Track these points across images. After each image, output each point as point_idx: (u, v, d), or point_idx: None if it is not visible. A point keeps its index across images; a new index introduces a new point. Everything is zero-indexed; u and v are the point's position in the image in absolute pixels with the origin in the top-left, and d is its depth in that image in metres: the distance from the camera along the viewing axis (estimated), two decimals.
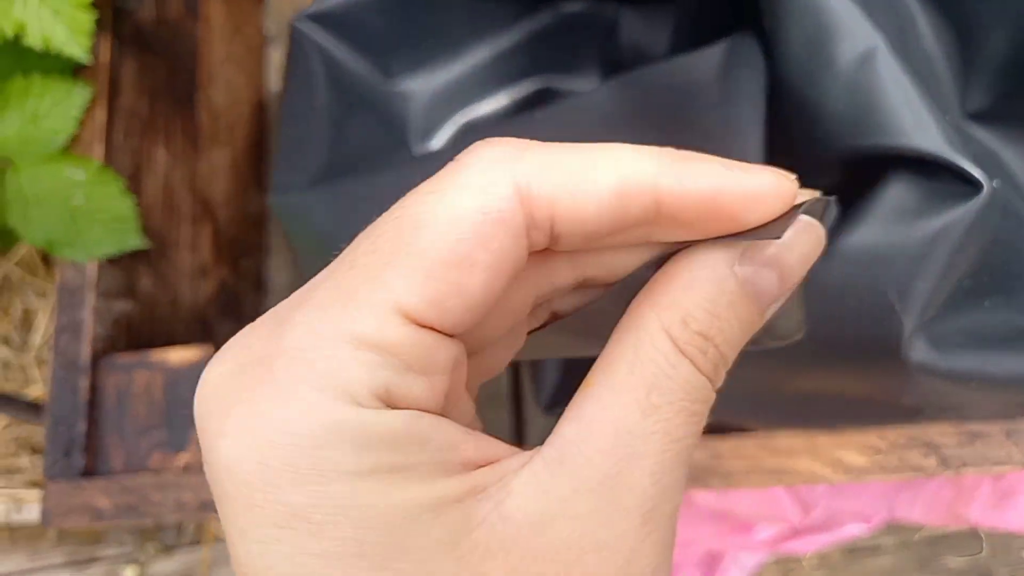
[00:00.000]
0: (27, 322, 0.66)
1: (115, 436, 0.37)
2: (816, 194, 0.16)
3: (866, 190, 0.25)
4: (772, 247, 0.15)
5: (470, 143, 0.15)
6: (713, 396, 0.15)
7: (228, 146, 0.52)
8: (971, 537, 0.67)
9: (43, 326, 0.66)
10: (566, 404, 0.15)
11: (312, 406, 0.13)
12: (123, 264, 0.40)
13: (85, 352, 0.37)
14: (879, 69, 0.24)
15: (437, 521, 0.13)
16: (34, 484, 0.63)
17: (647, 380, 0.14)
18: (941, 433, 0.30)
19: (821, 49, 0.25)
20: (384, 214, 0.14)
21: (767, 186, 0.14)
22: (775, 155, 0.27)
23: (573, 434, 0.14)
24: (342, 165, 0.33)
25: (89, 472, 0.36)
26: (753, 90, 0.26)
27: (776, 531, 0.68)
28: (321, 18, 0.38)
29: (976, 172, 0.24)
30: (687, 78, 0.26)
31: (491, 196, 0.14)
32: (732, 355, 0.15)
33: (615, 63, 0.42)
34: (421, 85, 0.40)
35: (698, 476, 0.31)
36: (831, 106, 0.24)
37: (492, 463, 0.14)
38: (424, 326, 0.14)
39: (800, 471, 0.30)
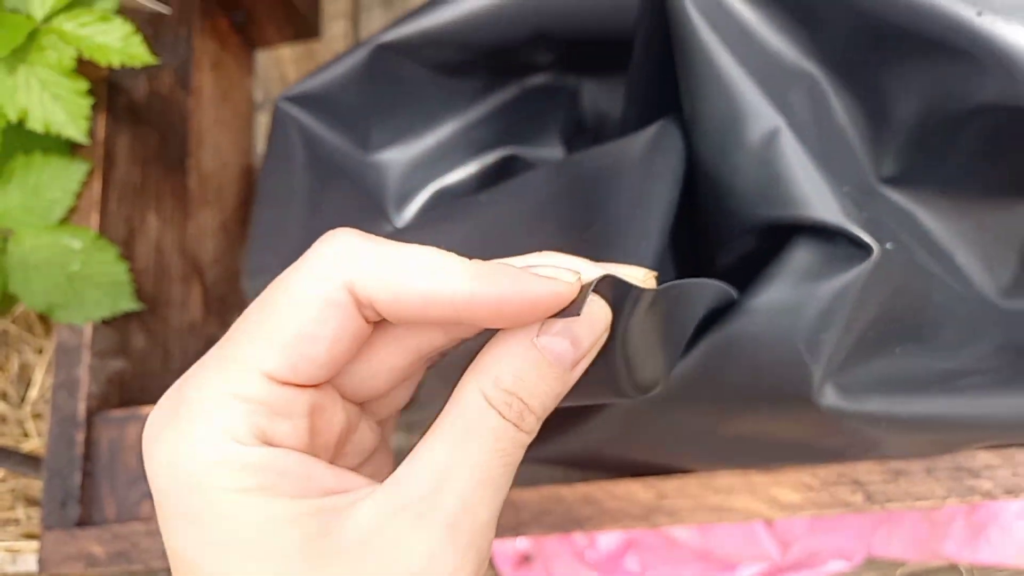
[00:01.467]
0: (24, 377, 0.69)
1: (107, 487, 0.39)
2: (639, 273, 0.20)
3: (775, 255, 0.28)
4: (561, 321, 0.19)
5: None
6: (523, 436, 0.19)
7: (217, 207, 0.56)
8: (952, 571, 0.69)
9: (40, 381, 0.68)
10: None
11: (206, 442, 0.18)
12: (117, 324, 0.43)
13: (81, 408, 0.40)
14: (782, 147, 0.28)
15: (293, 530, 0.18)
16: (30, 536, 0.65)
17: (462, 427, 0.19)
18: (868, 471, 0.33)
19: (731, 130, 0.28)
20: (259, 295, 0.20)
21: (545, 292, 0.18)
22: (697, 226, 0.30)
23: (406, 470, 0.19)
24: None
25: (83, 522, 0.38)
26: (670, 170, 0.29)
27: (759, 570, 0.70)
28: (302, 99, 0.41)
29: (867, 238, 0.27)
30: (615, 160, 0.30)
31: (328, 285, 0.18)
32: (541, 404, 0.19)
33: (578, 131, 0.45)
34: (397, 156, 0.44)
35: (646, 515, 0.33)
36: (741, 181, 0.28)
37: (349, 491, 0.19)
38: (283, 383, 0.19)
39: (739, 508, 0.33)
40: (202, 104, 0.56)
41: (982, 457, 0.33)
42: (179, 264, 0.50)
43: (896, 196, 0.35)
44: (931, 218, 0.36)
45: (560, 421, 0.27)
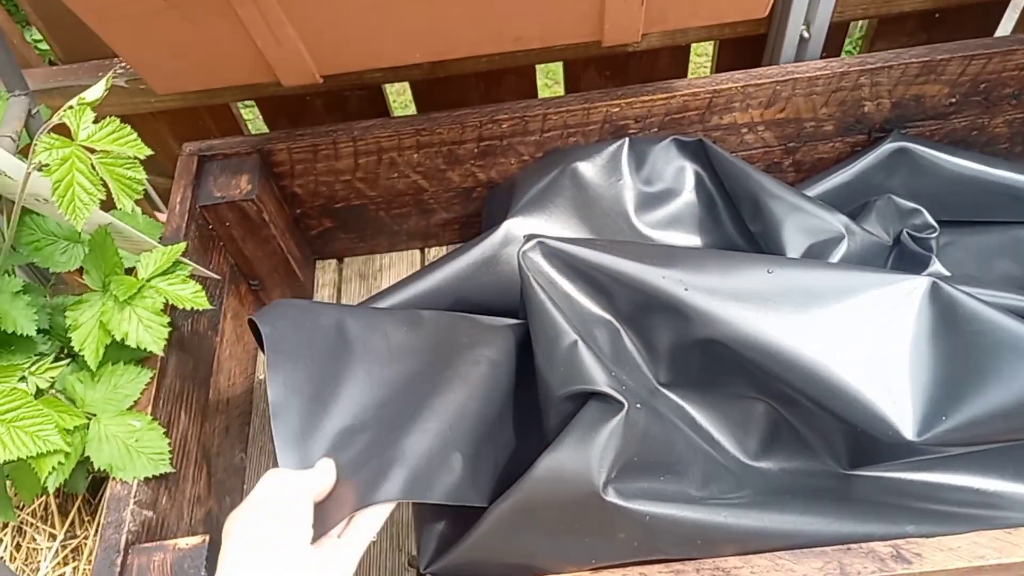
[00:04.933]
0: (32, 561, 0.82)
1: None
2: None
3: (577, 412, 0.49)
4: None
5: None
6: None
7: (225, 415, 0.75)
8: None
9: (45, 570, 0.81)
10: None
11: None
12: (151, 486, 0.60)
13: (123, 540, 0.56)
14: (580, 353, 0.50)
15: None
16: None
17: None
18: (657, 570, 0.51)
19: (553, 341, 0.51)
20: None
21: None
22: (537, 402, 0.52)
23: None
24: None
25: None
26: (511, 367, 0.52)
27: None
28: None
29: (621, 398, 0.48)
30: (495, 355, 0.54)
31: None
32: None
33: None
34: None
35: None
36: (555, 374, 0.50)
37: None
38: None
39: None
40: (223, 343, 0.78)
41: (732, 561, 0.51)
42: (195, 452, 0.68)
43: (671, 394, 0.58)
44: (694, 409, 0.57)
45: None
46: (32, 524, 0.84)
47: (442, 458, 0.49)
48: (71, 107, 0.47)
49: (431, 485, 0.47)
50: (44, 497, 0.86)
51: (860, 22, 0.98)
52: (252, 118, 1.68)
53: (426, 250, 0.95)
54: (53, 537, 0.83)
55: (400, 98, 1.80)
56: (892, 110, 0.80)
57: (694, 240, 0.75)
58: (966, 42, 0.76)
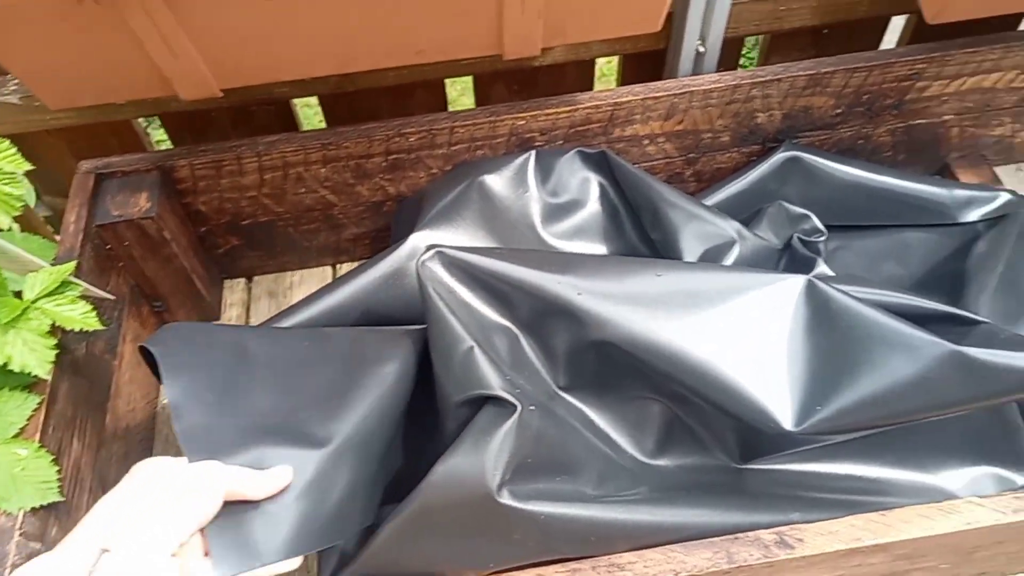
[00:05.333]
0: None
1: None
2: None
3: (473, 416, 0.49)
4: None
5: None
6: None
7: (123, 441, 0.72)
8: None
9: None
10: None
11: None
12: (40, 516, 0.58)
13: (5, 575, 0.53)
14: (476, 358, 0.51)
15: None
16: None
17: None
18: (554, 571, 0.51)
19: (450, 348, 0.51)
20: None
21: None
22: (434, 408, 0.52)
23: None
24: None
25: None
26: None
27: None
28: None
29: (515, 401, 0.49)
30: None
31: None
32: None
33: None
34: None
35: None
36: (451, 381, 0.50)
37: None
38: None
39: None
40: (122, 366, 0.75)
41: (627, 556, 0.52)
42: (89, 479, 0.66)
43: (570, 398, 0.58)
44: (592, 411, 0.59)
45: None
46: None
47: (351, 491, 0.48)
48: None
49: (340, 529, 0.46)
50: None
51: (754, 37, 1.02)
52: (162, 139, 1.64)
53: (337, 266, 0.94)
54: None
55: (315, 115, 1.79)
56: (783, 121, 0.84)
57: (599, 248, 0.77)
58: (848, 56, 0.81)
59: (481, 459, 0.46)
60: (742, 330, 0.52)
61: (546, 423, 0.51)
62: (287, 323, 0.65)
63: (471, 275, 0.56)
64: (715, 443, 0.58)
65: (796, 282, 0.54)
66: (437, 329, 0.52)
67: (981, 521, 0.53)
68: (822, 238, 0.76)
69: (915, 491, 0.58)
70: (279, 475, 0.45)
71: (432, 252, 0.57)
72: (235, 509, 0.45)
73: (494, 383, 0.49)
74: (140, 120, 0.96)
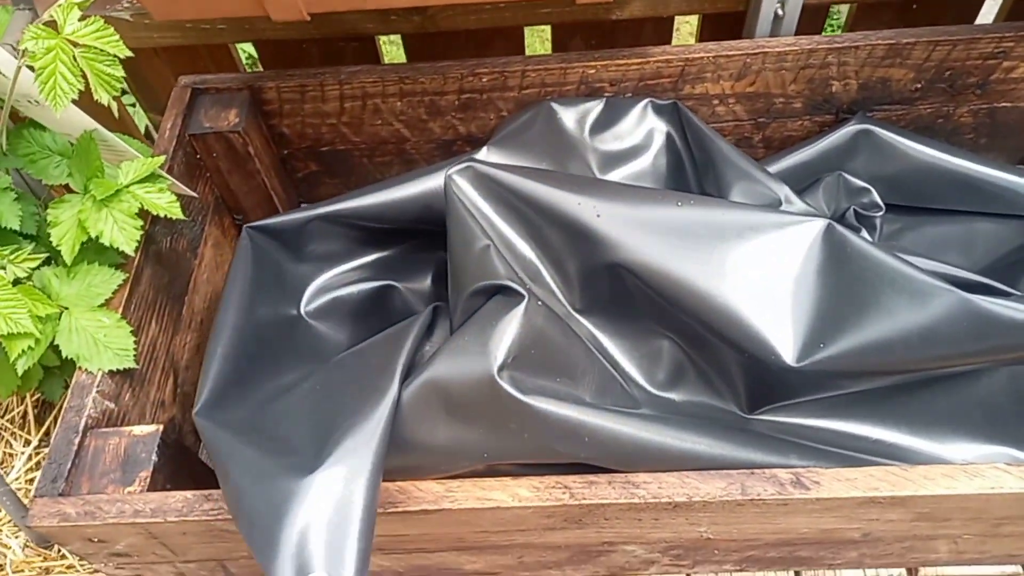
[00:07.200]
0: (7, 464, 0.86)
1: (86, 476, 0.58)
2: None
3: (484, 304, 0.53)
4: None
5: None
6: None
7: (196, 332, 0.79)
8: None
9: (18, 468, 0.85)
10: None
11: None
12: (116, 380, 0.64)
13: (81, 423, 0.60)
14: (491, 256, 0.55)
15: None
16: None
17: None
18: (573, 480, 0.54)
19: (467, 244, 0.55)
20: None
21: None
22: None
23: None
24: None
25: (65, 493, 0.57)
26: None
27: None
28: (264, 228, 0.68)
29: (522, 290, 0.52)
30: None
31: None
32: None
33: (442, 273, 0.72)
34: (315, 273, 0.70)
35: (437, 500, 0.53)
36: (466, 275, 0.54)
37: None
38: None
39: (497, 500, 0.53)
40: (202, 266, 0.82)
41: (642, 476, 0.54)
42: (163, 360, 0.72)
43: (584, 321, 0.61)
44: (605, 337, 0.61)
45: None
46: (9, 430, 0.88)
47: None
48: (60, 5, 0.51)
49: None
50: (23, 405, 0.90)
51: (841, 7, 1.01)
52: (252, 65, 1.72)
53: None
54: (28, 443, 0.87)
55: (400, 57, 1.84)
56: (859, 91, 0.83)
57: None
58: (932, 28, 0.79)
59: (486, 338, 0.49)
60: (754, 265, 0.53)
61: (552, 325, 0.54)
62: (355, 203, 0.69)
63: (495, 193, 0.58)
64: (725, 387, 0.59)
65: (816, 224, 0.55)
66: (457, 231, 0.55)
67: (1007, 487, 0.53)
68: (879, 213, 0.75)
69: (926, 460, 0.58)
70: None
71: (463, 165, 0.59)
72: None
73: (504, 273, 0.52)
74: (240, 52, 1.02)
